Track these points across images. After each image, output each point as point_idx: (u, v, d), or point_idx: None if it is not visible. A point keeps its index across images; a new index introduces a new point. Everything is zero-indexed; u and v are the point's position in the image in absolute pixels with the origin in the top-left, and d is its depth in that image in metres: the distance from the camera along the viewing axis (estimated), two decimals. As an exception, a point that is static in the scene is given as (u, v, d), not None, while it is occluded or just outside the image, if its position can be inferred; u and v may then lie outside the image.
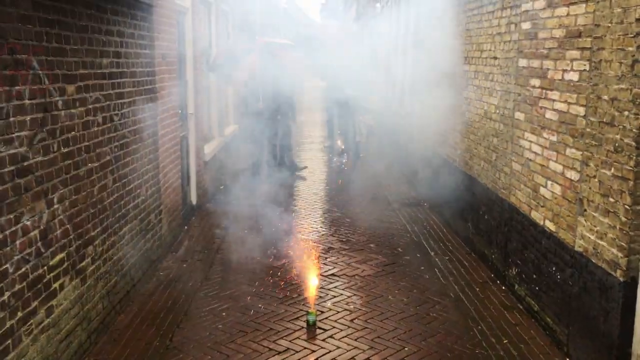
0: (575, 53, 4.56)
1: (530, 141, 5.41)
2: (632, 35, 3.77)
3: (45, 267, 3.92)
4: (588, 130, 4.33)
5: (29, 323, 3.70)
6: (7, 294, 3.45)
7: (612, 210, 4.00)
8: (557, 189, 4.84)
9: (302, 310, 5.43)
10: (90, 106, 4.60)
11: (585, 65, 4.40)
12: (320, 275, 6.32)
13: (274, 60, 10.21)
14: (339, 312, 5.46)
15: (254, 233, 7.54)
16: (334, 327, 5.16)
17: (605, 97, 4.08)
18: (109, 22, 4.96)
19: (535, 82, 5.30)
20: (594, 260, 4.22)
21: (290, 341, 4.90)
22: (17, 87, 3.53)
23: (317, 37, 14.25)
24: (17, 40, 3.53)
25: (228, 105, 12.28)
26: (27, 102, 3.65)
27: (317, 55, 12.46)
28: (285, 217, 8.36)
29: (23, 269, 3.63)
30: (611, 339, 4.00)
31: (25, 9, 3.62)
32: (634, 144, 3.75)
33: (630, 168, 3.78)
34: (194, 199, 8.65)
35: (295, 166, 11.73)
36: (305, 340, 4.93)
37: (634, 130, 3.75)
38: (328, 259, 6.84)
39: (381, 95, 14.34)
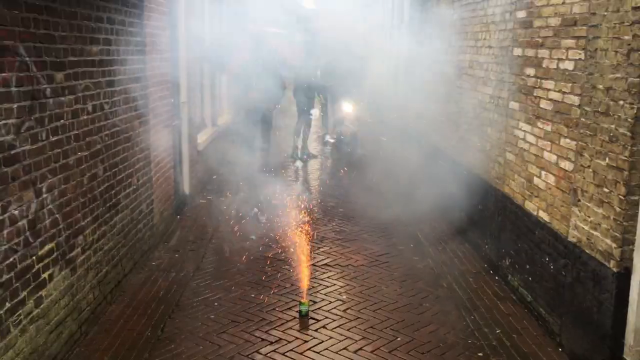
0: (570, 42, 4.52)
1: (525, 131, 5.38)
2: (628, 24, 3.73)
3: (34, 257, 3.86)
4: (583, 120, 4.30)
5: (17, 313, 3.65)
6: (-6, 284, 3.40)
7: (606, 201, 3.97)
8: (551, 179, 4.82)
9: (294, 300, 5.41)
10: (80, 94, 4.53)
11: (580, 54, 4.36)
12: (314, 265, 6.29)
13: (268, 49, 10.12)
14: (331, 302, 5.44)
15: (247, 223, 7.50)
16: (326, 317, 5.14)
17: (601, 87, 4.05)
18: (98, 8, 4.88)
19: (530, 71, 5.26)
20: (587, 251, 4.21)
21: (282, 331, 4.88)
22: (3, 74, 3.46)
23: (312, 26, 14.16)
24: (3, 26, 3.45)
25: (221, 94, 12.20)
26: (13, 89, 3.58)
27: (311, 44, 12.40)
28: (279, 207, 8.31)
29: (11, 259, 3.58)
30: (604, 329, 3.99)
31: (11, -6, 3.54)
32: (629, 133, 3.72)
33: (625, 158, 3.76)
34: (186, 188, 8.59)
35: (307, 154, 11.87)
36: (298, 331, 4.91)
37: (629, 120, 3.72)
38: (321, 249, 6.81)
39: (376, 83, 14.29)
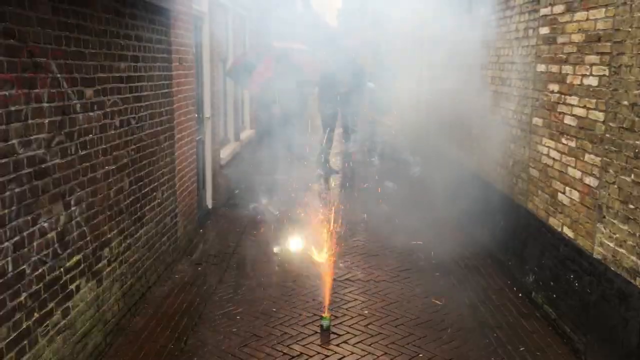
0: (594, 58, 4.51)
1: (549, 147, 5.35)
2: (653, 40, 3.72)
3: (62, 269, 3.95)
4: (607, 135, 4.27)
5: (45, 324, 3.72)
6: (24, 294, 3.48)
7: (632, 217, 3.93)
8: (576, 195, 4.78)
9: (316, 315, 5.41)
10: (108, 109, 4.63)
11: (604, 70, 4.34)
12: (335, 280, 6.29)
13: (290, 65, 10.23)
14: (353, 317, 5.43)
15: (268, 237, 7.54)
16: (348, 332, 5.13)
17: (625, 103, 4.02)
18: (127, 26, 5.00)
19: (554, 87, 5.24)
20: (613, 268, 4.16)
21: (304, 346, 4.89)
22: (35, 90, 3.57)
23: (336, 41, 14.31)
24: (36, 44, 3.57)
25: (244, 110, 12.34)
26: (45, 105, 3.69)
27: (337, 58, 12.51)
28: (300, 221, 8.35)
29: (40, 270, 3.66)
30: (630, 348, 3.93)
31: (44, 12, 3.66)
32: (654, 150, 3.69)
33: (651, 174, 3.72)
34: (209, 202, 8.69)
35: (328, 168, 11.93)
36: (319, 345, 4.91)
37: (654, 136, 3.69)
38: (343, 264, 6.82)
39: (399, 99, 14.36)
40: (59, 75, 3.85)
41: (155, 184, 5.85)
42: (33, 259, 3.58)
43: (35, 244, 3.60)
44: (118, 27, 4.81)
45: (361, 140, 13.66)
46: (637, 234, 3.86)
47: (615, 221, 4.14)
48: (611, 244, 4.19)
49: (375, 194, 10.20)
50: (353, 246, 7.48)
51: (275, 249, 7.12)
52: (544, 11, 5.51)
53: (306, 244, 7.41)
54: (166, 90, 6.10)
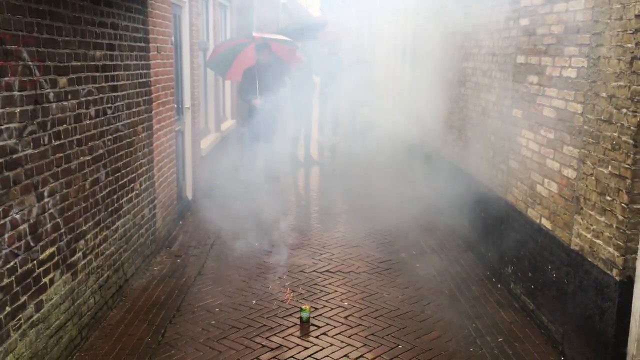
0: (573, 49, 4.51)
1: (528, 138, 5.37)
2: (631, 32, 3.73)
3: (35, 261, 3.87)
4: (585, 127, 4.28)
5: (17, 318, 3.65)
6: (-6, 288, 3.40)
7: (608, 209, 3.95)
8: (554, 187, 4.80)
9: (295, 306, 5.39)
10: (83, 99, 4.54)
11: (583, 62, 4.35)
12: (315, 271, 6.28)
13: (270, 56, 10.16)
14: (333, 308, 5.42)
15: (248, 229, 7.49)
16: (327, 324, 5.12)
17: (604, 95, 4.04)
18: (102, 13, 4.90)
19: (533, 78, 5.25)
20: (590, 259, 4.19)
21: (283, 338, 4.87)
22: (6, 79, 3.47)
23: (315, 32, 14.26)
24: (6, 31, 3.47)
25: (225, 100, 12.23)
26: (16, 93, 3.59)
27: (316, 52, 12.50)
28: (281, 213, 8.32)
29: (12, 263, 3.58)
30: (606, 338, 3.96)
31: (15, -2, 3.56)
32: (631, 141, 3.71)
33: (628, 166, 3.74)
34: (189, 194, 8.60)
35: (310, 159, 12.03)
36: (299, 337, 4.89)
37: (631, 127, 3.71)
38: (323, 255, 6.80)
39: (381, 90, 14.36)
40: (30, 63, 3.75)
41: (133, 175, 5.77)
42: (4, 251, 3.50)
43: (6, 236, 3.52)
44: (93, 15, 4.70)
45: (343, 131, 13.68)
46: (614, 225, 3.88)
47: (592, 213, 4.17)
48: (588, 235, 4.21)
49: (354, 184, 10.19)
50: (333, 237, 7.46)
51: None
52: (524, 2, 5.50)
53: (286, 234, 7.39)
54: (144, 80, 6.00)
